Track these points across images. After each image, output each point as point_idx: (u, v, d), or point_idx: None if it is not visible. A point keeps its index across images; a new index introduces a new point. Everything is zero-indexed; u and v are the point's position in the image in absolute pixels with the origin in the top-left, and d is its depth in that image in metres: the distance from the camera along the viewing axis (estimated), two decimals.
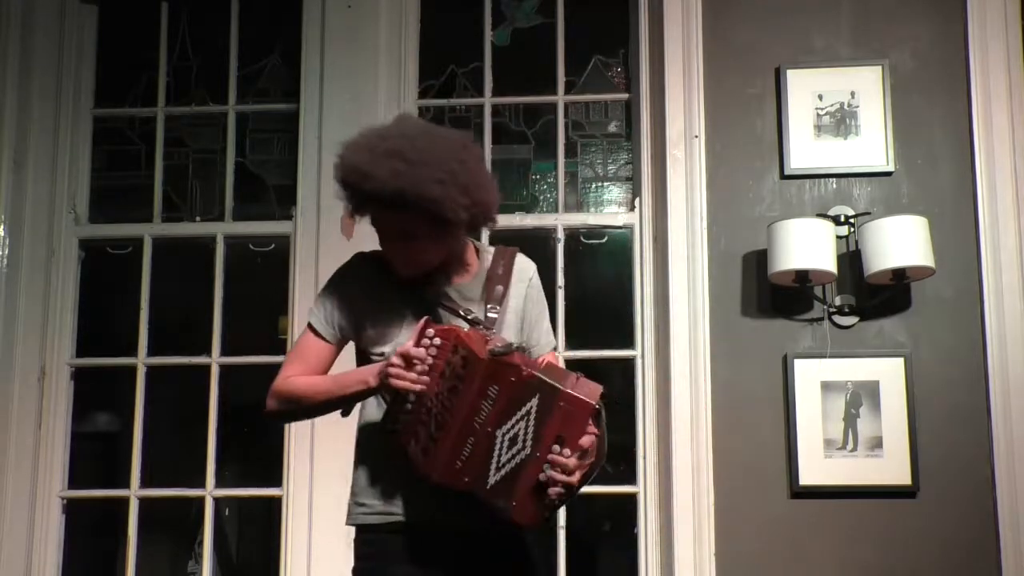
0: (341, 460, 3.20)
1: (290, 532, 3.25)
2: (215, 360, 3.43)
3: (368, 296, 2.09)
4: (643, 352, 3.29)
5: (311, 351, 2.12)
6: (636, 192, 3.40)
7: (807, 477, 3.03)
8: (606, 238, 3.45)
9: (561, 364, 2.26)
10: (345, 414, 2.11)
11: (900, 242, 2.95)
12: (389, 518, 2.02)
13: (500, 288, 2.09)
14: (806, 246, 2.96)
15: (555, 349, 2.24)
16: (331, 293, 2.13)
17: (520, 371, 1.89)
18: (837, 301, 3.12)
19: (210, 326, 3.45)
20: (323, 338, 2.11)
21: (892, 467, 3.01)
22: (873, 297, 3.09)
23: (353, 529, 2.08)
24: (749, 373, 3.11)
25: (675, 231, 3.21)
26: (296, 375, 2.11)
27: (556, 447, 1.87)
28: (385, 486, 2.03)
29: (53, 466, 3.41)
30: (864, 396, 3.05)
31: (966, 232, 3.12)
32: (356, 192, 1.97)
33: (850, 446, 3.03)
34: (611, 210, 3.48)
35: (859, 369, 3.06)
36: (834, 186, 3.20)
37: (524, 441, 1.89)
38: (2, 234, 3.46)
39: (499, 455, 1.90)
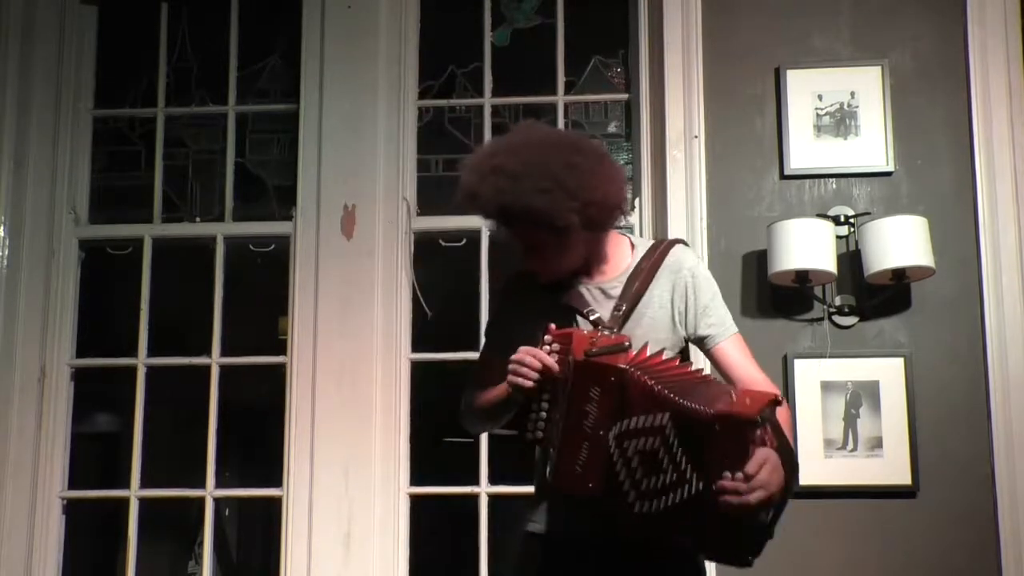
0: (341, 461, 3.24)
1: (290, 532, 3.25)
2: (215, 360, 3.43)
3: (520, 306, 2.14)
4: None
5: (485, 365, 2.20)
6: (636, 192, 3.40)
7: (807, 477, 3.02)
8: None
9: (743, 347, 2.10)
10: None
11: (900, 242, 2.95)
12: (536, 527, 2.06)
13: (638, 285, 2.05)
14: (806, 246, 2.96)
15: (736, 334, 2.12)
16: (497, 306, 2.23)
17: (621, 372, 1.82)
18: (837, 301, 3.12)
19: (210, 326, 3.45)
20: (494, 352, 2.16)
21: (892, 467, 3.00)
22: (873, 297, 3.09)
23: None
24: None
25: (675, 231, 3.20)
26: (476, 389, 2.19)
27: (727, 474, 1.72)
28: (540, 498, 2.08)
29: (53, 466, 3.41)
30: (864, 396, 3.05)
31: (966, 232, 3.12)
32: (470, 211, 2.00)
33: (850, 446, 3.03)
34: None
35: (859, 369, 3.06)
36: (834, 186, 3.20)
37: (679, 470, 1.77)
38: (2, 234, 3.46)
39: (627, 468, 1.82)
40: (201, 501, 3.38)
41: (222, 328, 3.46)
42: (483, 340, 2.26)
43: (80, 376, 3.50)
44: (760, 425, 1.74)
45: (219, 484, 3.41)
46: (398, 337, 3.34)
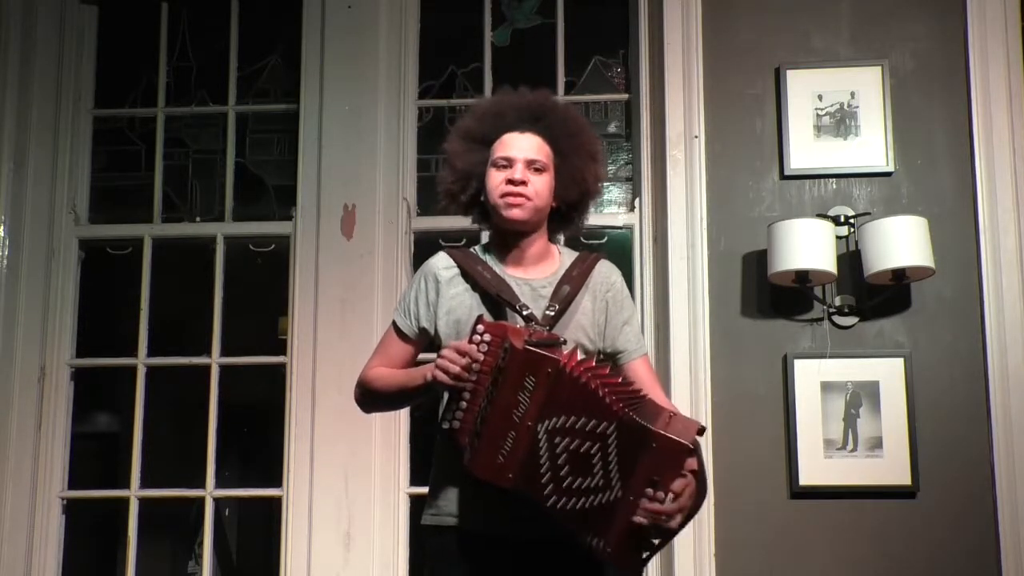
0: (341, 460, 3.24)
1: (290, 532, 3.25)
2: (215, 360, 3.43)
3: (443, 293, 2.13)
4: None
5: (391, 344, 2.20)
6: (636, 192, 3.40)
7: (807, 477, 3.03)
8: (606, 238, 3.44)
9: (651, 368, 2.22)
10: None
11: (900, 242, 2.95)
12: (445, 520, 2.04)
13: (567, 289, 2.09)
14: (806, 246, 2.96)
15: (646, 354, 2.22)
16: (411, 289, 2.19)
17: (558, 365, 1.84)
18: (837, 301, 3.12)
19: (210, 326, 3.45)
20: (403, 332, 2.18)
21: (892, 467, 3.00)
22: (873, 297, 3.08)
23: None
24: (749, 373, 3.11)
25: (675, 231, 3.21)
26: (377, 366, 2.19)
27: (650, 490, 1.78)
28: (448, 490, 2.06)
29: (53, 466, 3.41)
30: (864, 396, 3.05)
31: (966, 232, 3.12)
32: (526, 107, 2.29)
33: (850, 446, 3.03)
34: (611, 210, 3.48)
35: (859, 369, 3.06)
36: (834, 186, 3.20)
37: (607, 477, 1.80)
38: (2, 234, 3.46)
39: (552, 464, 1.83)
40: (201, 501, 3.38)
41: (222, 328, 3.46)
42: (395, 316, 2.21)
43: (80, 376, 3.50)
44: (693, 453, 1.81)
45: (219, 484, 3.41)
46: None
